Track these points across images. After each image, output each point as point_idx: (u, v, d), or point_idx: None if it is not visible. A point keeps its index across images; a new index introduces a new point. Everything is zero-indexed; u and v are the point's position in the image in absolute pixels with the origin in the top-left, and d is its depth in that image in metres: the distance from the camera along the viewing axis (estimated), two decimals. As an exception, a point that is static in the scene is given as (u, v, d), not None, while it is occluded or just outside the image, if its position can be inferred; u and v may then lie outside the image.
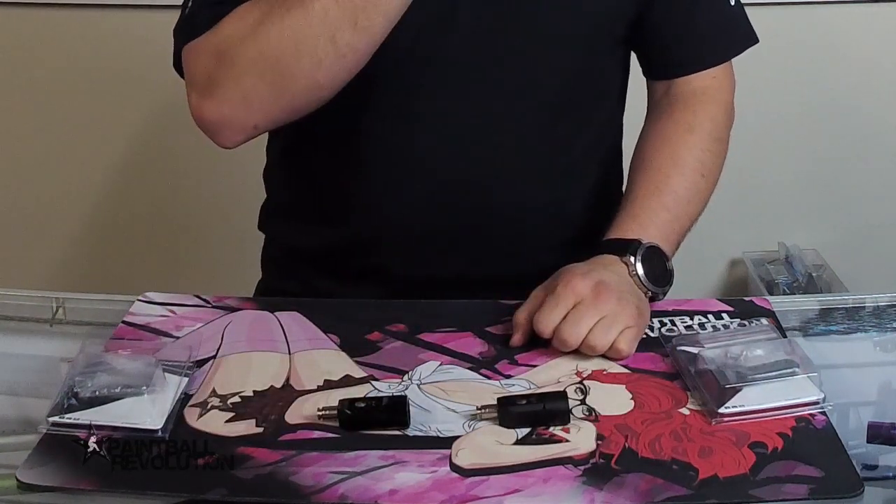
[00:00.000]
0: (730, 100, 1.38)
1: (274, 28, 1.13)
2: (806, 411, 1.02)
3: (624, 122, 1.43)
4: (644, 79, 1.41)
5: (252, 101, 1.16)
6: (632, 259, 1.21)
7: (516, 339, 1.15)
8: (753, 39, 1.38)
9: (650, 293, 1.21)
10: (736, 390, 1.03)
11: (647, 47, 1.37)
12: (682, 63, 1.36)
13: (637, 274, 1.20)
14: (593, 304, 1.13)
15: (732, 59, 1.38)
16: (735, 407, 1.02)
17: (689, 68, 1.35)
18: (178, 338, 1.18)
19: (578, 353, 1.13)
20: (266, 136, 1.39)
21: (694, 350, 1.09)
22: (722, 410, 1.02)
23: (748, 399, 1.02)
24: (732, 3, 1.35)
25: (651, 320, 1.19)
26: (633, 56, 1.40)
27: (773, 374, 1.05)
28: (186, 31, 1.20)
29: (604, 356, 1.13)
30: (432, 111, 1.26)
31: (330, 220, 1.34)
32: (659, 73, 1.38)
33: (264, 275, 1.46)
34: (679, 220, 1.29)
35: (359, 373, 1.11)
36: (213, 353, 1.15)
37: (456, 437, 1.01)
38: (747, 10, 1.39)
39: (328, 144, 1.31)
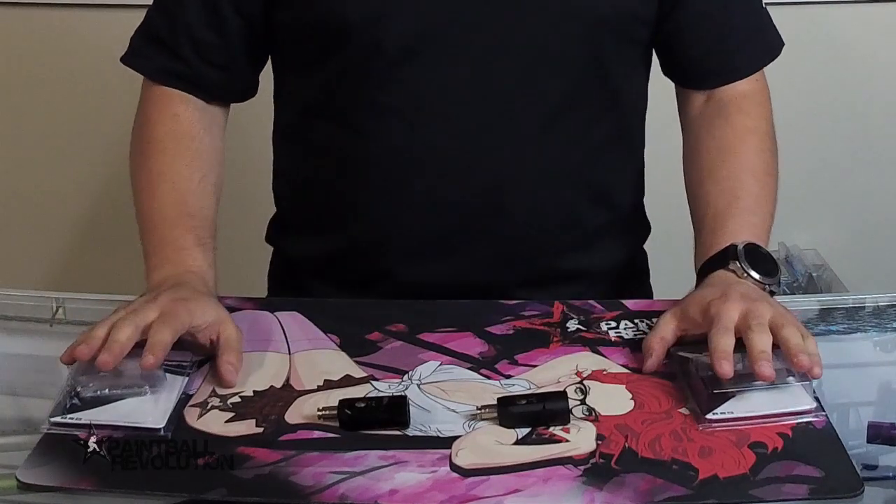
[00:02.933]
0: (770, 99, 1.35)
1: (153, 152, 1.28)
2: (796, 420, 1.01)
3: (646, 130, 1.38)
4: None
5: None
6: (737, 264, 1.15)
7: (650, 364, 1.09)
8: (781, 41, 1.35)
9: (767, 287, 1.15)
10: (727, 396, 1.02)
11: (684, 57, 1.32)
12: (725, 72, 1.31)
13: (749, 275, 1.14)
14: (754, 317, 1.04)
15: None
16: (723, 413, 1.01)
17: (736, 76, 1.31)
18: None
19: (583, 355, 1.13)
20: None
21: (689, 355, 1.08)
22: (709, 416, 1.01)
23: (737, 406, 1.01)
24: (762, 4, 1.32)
25: (651, 320, 1.19)
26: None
27: (766, 383, 1.02)
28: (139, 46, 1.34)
29: (795, 362, 1.02)
30: (433, 111, 1.24)
31: (334, 226, 1.32)
32: (699, 82, 1.32)
33: (269, 289, 1.45)
34: (765, 221, 1.25)
35: (359, 373, 1.11)
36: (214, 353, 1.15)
37: (456, 437, 1.01)
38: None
39: (330, 148, 1.30)
